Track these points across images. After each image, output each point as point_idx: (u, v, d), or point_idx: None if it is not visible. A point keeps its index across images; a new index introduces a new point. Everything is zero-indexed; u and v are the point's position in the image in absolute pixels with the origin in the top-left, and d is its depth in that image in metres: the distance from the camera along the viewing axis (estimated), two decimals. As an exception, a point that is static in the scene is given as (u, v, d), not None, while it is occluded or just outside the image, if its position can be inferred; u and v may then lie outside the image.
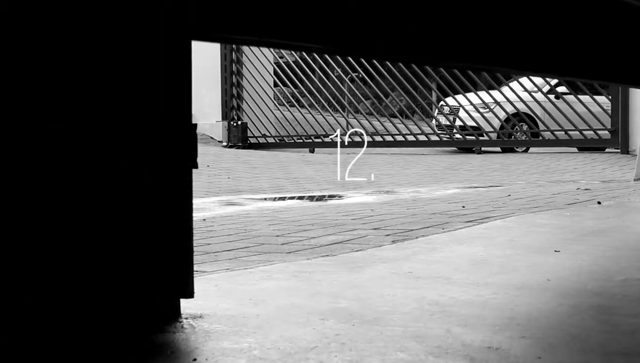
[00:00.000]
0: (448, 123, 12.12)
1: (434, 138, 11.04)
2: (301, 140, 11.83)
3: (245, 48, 12.02)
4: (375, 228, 3.28)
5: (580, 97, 9.92)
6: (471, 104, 10.70)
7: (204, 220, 3.81)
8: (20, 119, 1.46)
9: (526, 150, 12.44)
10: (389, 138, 10.99)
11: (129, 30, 1.56)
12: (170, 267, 1.64)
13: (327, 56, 11.27)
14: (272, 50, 11.90)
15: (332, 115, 11.85)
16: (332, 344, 1.49)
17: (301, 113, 11.84)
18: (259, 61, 11.71)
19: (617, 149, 9.76)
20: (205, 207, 4.52)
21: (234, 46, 12.10)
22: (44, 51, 1.48)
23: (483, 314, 1.73)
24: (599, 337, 1.55)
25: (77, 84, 1.51)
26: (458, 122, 11.77)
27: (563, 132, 10.01)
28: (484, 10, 2.02)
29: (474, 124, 11.18)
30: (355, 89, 13.17)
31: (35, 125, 1.47)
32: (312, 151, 11.40)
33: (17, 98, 1.45)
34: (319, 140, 11.61)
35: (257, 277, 2.18)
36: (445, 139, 11.28)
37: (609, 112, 9.70)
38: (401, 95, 11.67)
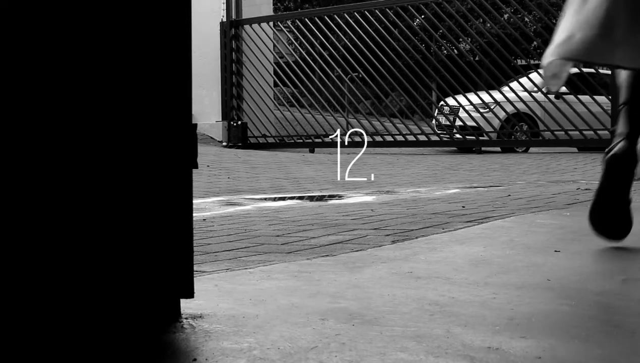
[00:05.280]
0: (448, 123, 12.11)
1: (434, 138, 11.04)
2: (301, 140, 11.82)
3: (245, 48, 12.02)
4: (375, 228, 3.28)
5: (580, 97, 9.92)
6: (471, 104, 10.69)
7: (204, 220, 3.81)
8: (20, 119, 1.46)
9: (526, 150, 12.44)
10: (389, 138, 10.99)
11: (129, 31, 1.56)
12: (170, 267, 1.64)
13: (327, 56, 11.26)
14: (272, 50, 11.91)
15: (332, 115, 11.85)
16: (332, 344, 1.49)
17: (301, 113, 11.84)
18: (259, 61, 11.70)
19: (617, 149, 9.75)
20: (205, 207, 4.52)
21: (234, 46, 12.10)
22: (45, 50, 1.48)
23: (483, 314, 1.73)
24: (599, 337, 1.55)
25: (77, 84, 1.51)
26: (458, 122, 11.78)
27: (563, 132, 10.01)
28: None
29: (474, 124, 11.18)
30: (355, 89, 13.17)
31: (35, 125, 1.47)
32: (312, 151, 11.40)
33: (16, 98, 1.45)
34: (319, 140, 11.60)
35: (257, 277, 2.18)
36: (445, 139, 11.28)
37: (609, 112, 9.69)
38: (401, 95, 11.66)
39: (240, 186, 6.30)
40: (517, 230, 3.16)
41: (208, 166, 8.04)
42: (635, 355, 1.43)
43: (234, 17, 12.22)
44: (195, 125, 1.65)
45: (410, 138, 10.87)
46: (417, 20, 12.07)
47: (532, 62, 12.03)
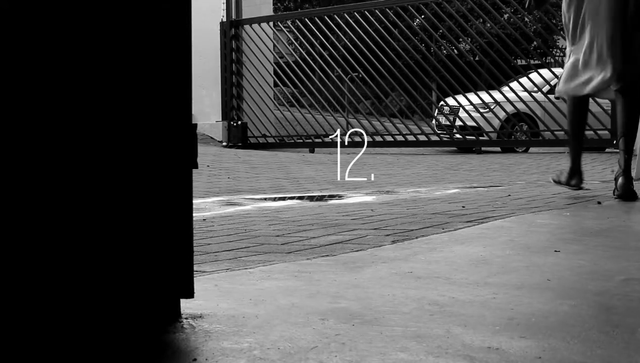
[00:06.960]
0: (448, 123, 12.11)
1: (434, 138, 11.03)
2: (301, 140, 11.82)
3: (245, 48, 12.02)
4: (375, 228, 3.28)
5: (580, 97, 9.89)
6: (471, 104, 10.69)
7: (204, 220, 3.81)
8: (19, 120, 1.46)
9: (526, 150, 12.44)
10: (389, 138, 10.98)
11: (129, 30, 1.56)
12: (170, 267, 1.64)
13: (327, 56, 11.25)
14: (272, 50, 11.90)
15: (332, 115, 11.84)
16: (332, 344, 1.49)
17: (301, 113, 11.83)
18: (259, 61, 11.70)
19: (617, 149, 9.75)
20: (205, 207, 4.52)
21: (234, 46, 12.10)
22: (44, 50, 1.48)
23: (483, 314, 1.73)
24: (599, 337, 1.55)
25: (76, 84, 1.51)
26: (458, 122, 11.77)
27: (563, 132, 10.00)
28: None
29: (474, 124, 11.18)
30: (355, 89, 13.16)
31: (34, 125, 1.47)
32: (312, 151, 11.39)
33: (16, 99, 1.46)
34: (319, 140, 11.60)
35: (257, 277, 2.18)
36: (445, 139, 11.28)
37: (609, 112, 9.69)
38: (401, 95, 11.65)
39: (240, 186, 6.30)
40: (517, 230, 3.16)
41: (208, 166, 8.04)
42: (635, 355, 1.43)
43: (234, 17, 12.21)
44: (195, 125, 1.65)
45: (410, 138, 10.87)
46: (417, 20, 12.07)
47: (532, 62, 12.03)
